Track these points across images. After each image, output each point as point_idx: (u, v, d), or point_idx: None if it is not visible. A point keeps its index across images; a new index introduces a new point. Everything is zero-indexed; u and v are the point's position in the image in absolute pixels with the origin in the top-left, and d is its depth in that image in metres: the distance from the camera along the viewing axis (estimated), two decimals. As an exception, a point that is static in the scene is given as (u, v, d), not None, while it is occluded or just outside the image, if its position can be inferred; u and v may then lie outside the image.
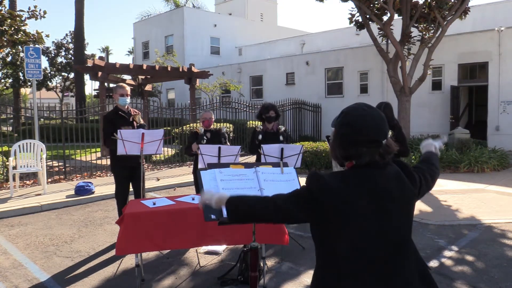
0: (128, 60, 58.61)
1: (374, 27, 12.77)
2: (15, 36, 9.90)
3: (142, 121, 5.19)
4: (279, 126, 5.35)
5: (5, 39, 9.76)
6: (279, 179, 2.50)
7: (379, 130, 1.54)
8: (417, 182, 1.66)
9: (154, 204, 3.82)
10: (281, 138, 5.20)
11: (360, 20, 13.12)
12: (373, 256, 1.50)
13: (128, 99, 5.10)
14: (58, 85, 31.31)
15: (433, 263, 4.36)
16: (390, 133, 5.30)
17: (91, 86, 74.55)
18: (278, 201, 1.60)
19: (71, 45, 27.30)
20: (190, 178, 8.58)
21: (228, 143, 5.38)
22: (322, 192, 1.50)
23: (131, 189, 5.21)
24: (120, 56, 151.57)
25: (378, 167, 1.56)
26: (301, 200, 1.56)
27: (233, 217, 1.68)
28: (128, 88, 5.13)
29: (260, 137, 5.22)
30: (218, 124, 11.88)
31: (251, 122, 13.87)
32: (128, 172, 5.07)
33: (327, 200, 1.49)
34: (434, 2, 11.61)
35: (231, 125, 13.22)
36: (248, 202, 1.67)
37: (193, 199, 3.98)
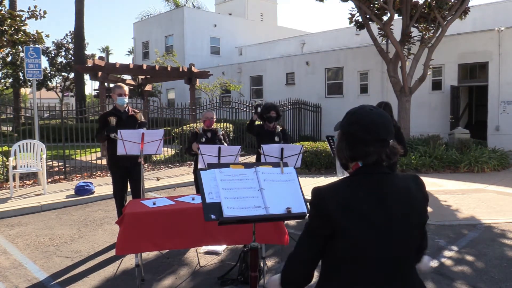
0: (128, 60, 58.67)
1: (374, 27, 12.76)
2: (15, 36, 9.90)
3: (143, 119, 5.19)
4: (277, 126, 5.35)
5: (5, 39, 9.76)
6: (279, 179, 2.49)
7: (386, 129, 1.52)
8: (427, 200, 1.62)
9: (154, 204, 3.82)
10: (276, 138, 5.18)
11: (360, 20, 13.12)
12: (380, 264, 1.47)
13: (126, 99, 5.10)
14: (58, 85, 31.29)
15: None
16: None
17: (91, 86, 74.57)
18: (296, 246, 1.60)
19: (71, 45, 27.28)
20: (190, 178, 8.58)
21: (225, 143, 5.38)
22: (326, 204, 1.48)
23: (129, 189, 5.22)
24: (120, 56, 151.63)
25: (384, 171, 1.53)
26: (314, 222, 1.53)
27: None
28: (126, 88, 5.13)
29: (258, 110, 5.30)
30: (218, 124, 11.88)
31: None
32: (124, 172, 5.07)
33: (332, 210, 1.47)
34: (434, 2, 11.61)
35: (231, 125, 13.21)
36: (287, 271, 1.64)
37: (193, 199, 3.98)
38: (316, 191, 1.53)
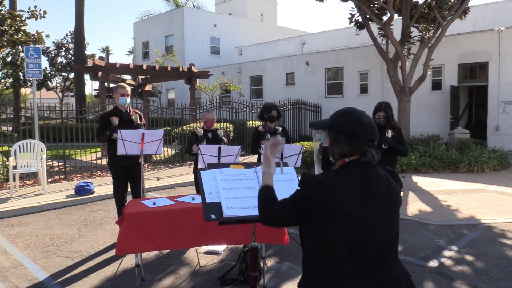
0: (128, 60, 58.65)
1: (374, 27, 12.76)
2: (15, 36, 9.89)
3: (139, 122, 5.15)
4: (277, 127, 5.36)
5: (5, 39, 9.76)
6: (279, 179, 2.50)
7: (376, 131, 1.68)
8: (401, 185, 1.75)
9: (154, 204, 3.82)
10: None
11: (360, 20, 13.12)
12: (367, 254, 1.54)
13: (128, 99, 5.11)
14: (58, 85, 31.29)
15: (433, 263, 4.36)
16: (390, 133, 5.29)
17: (91, 86, 74.65)
18: (278, 204, 1.73)
19: (71, 45, 27.27)
20: (190, 178, 8.58)
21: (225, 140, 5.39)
22: (316, 192, 1.55)
23: (129, 189, 5.22)
24: (120, 56, 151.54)
25: (369, 167, 1.64)
26: (297, 202, 1.62)
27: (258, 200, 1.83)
28: (128, 88, 5.13)
29: (268, 136, 5.22)
30: (218, 124, 11.88)
31: (251, 122, 13.87)
32: (124, 172, 5.07)
33: (321, 199, 1.54)
34: (434, 2, 11.61)
35: (231, 125, 13.21)
36: (266, 198, 1.80)
37: (193, 199, 3.98)
38: (305, 176, 1.63)
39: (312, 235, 1.60)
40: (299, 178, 1.65)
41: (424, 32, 12.53)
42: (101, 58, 14.65)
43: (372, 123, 1.66)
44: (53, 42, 28.35)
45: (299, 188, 1.63)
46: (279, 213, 1.68)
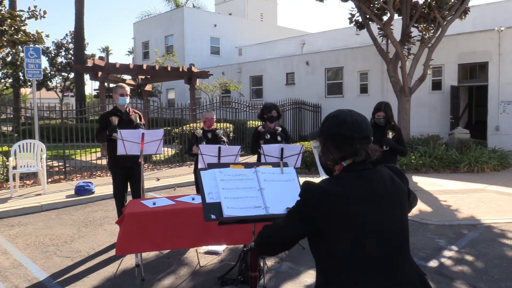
0: (128, 60, 58.64)
1: (374, 27, 12.77)
2: (15, 36, 9.89)
3: (139, 121, 5.14)
4: (277, 127, 5.36)
5: (5, 39, 9.75)
6: (279, 179, 2.49)
7: (367, 126, 1.62)
8: (408, 187, 1.70)
9: (154, 204, 3.82)
10: (279, 138, 5.23)
11: (360, 20, 13.12)
12: (376, 258, 1.51)
13: (128, 99, 5.11)
14: (58, 85, 31.29)
15: (433, 263, 4.36)
16: (391, 134, 5.27)
17: (91, 86, 74.56)
18: (278, 221, 1.67)
19: (71, 45, 27.28)
20: (190, 178, 8.58)
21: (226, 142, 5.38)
22: (319, 199, 1.52)
23: (129, 189, 5.22)
24: (120, 56, 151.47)
25: (369, 167, 1.60)
26: (300, 213, 1.57)
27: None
28: (127, 88, 5.14)
29: (268, 136, 5.22)
30: (218, 124, 11.88)
31: (251, 122, 13.87)
32: (124, 172, 5.07)
33: (326, 206, 1.50)
34: (434, 2, 11.61)
35: (231, 125, 13.21)
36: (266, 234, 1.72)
37: (193, 199, 3.98)
38: (307, 186, 1.58)
39: (319, 242, 1.57)
40: (301, 188, 1.60)
41: (424, 32, 12.53)
42: (101, 58, 14.64)
43: (359, 120, 1.59)
44: (53, 42, 28.37)
45: (300, 199, 1.58)
46: (282, 236, 1.62)
